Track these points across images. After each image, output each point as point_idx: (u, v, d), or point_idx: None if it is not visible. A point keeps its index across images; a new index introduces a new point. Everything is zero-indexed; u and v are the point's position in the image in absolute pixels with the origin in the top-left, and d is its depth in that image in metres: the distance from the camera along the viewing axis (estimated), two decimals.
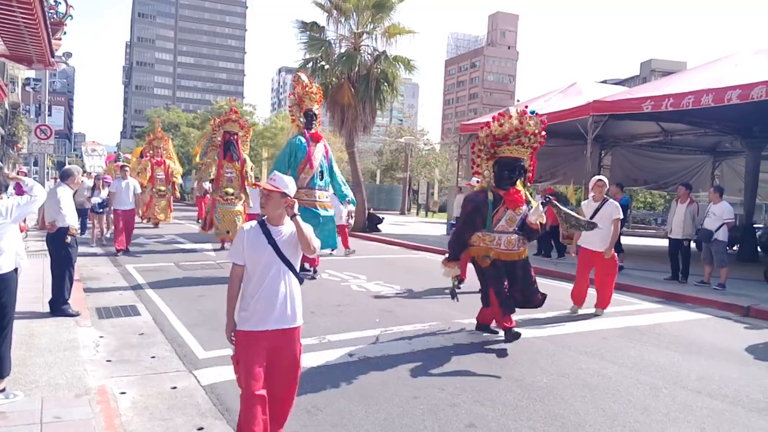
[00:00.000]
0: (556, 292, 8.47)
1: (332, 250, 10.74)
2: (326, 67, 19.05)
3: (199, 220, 19.45)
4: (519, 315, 7.39)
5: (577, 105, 14.64)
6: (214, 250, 12.73)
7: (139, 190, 12.07)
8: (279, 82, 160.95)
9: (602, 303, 7.61)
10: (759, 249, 14.39)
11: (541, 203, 5.98)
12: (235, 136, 12.22)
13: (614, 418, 4.13)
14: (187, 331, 6.01)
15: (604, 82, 25.65)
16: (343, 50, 19.64)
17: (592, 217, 7.26)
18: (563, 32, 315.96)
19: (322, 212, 9.53)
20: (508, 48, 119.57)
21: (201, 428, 3.69)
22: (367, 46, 19.73)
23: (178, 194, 20.28)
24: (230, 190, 11.99)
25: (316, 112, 9.93)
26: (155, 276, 9.24)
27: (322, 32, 19.76)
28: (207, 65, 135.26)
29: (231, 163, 12.12)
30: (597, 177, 7.89)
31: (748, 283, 10.09)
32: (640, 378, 4.92)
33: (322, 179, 9.71)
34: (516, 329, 5.87)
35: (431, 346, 5.77)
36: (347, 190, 10.23)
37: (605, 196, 7.67)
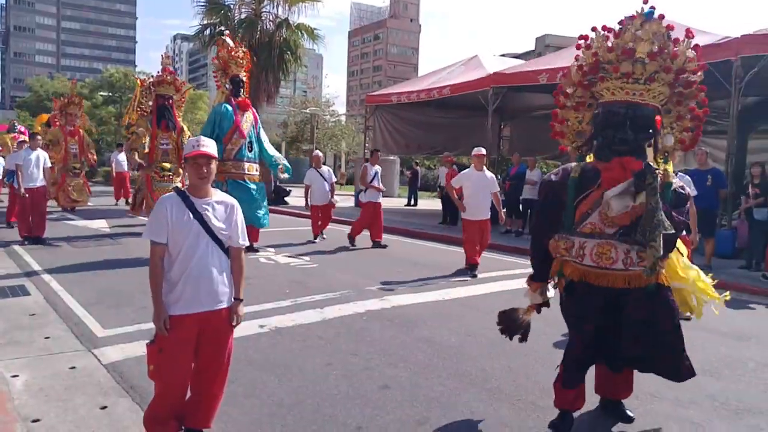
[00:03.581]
0: (451, 255, 8.77)
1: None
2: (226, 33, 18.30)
3: (127, 201, 17.25)
4: (433, 290, 7.59)
5: (477, 77, 15.08)
6: (110, 227, 12.01)
7: (48, 164, 9.95)
8: (174, 51, 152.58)
9: None
10: None
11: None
12: (170, 101, 10.52)
13: (518, 371, 4.38)
14: (84, 309, 5.64)
15: (503, 56, 26.48)
16: (243, 16, 18.95)
17: None
18: (463, 6, 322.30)
19: (252, 186, 8.99)
20: (411, 21, 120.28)
21: (104, 407, 3.50)
22: (269, 12, 19.14)
23: (94, 160, 16.51)
24: (167, 165, 10.36)
25: (244, 79, 9.24)
26: (45, 254, 8.58)
27: None
28: (95, 31, 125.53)
29: (166, 132, 10.38)
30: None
31: None
32: (546, 330, 5.11)
33: (251, 150, 9.08)
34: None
35: (343, 314, 5.80)
36: (279, 158, 9.60)
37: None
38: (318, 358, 4.52)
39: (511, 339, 3.78)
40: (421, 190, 22.80)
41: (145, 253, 2.96)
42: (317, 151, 12.46)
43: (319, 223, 11.13)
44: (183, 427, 3.06)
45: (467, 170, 8.54)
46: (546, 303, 3.67)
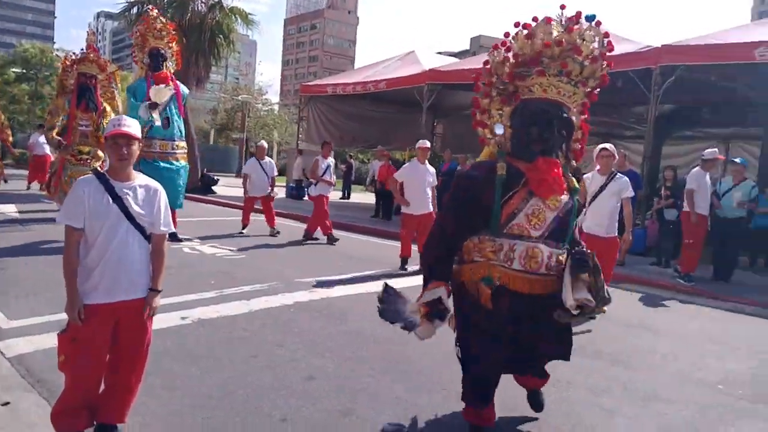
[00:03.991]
0: (384, 249, 8.82)
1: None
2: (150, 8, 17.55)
3: (42, 186, 16.24)
4: (364, 282, 7.58)
5: (413, 73, 15.20)
6: (19, 212, 11.26)
7: None
8: (98, 29, 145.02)
9: None
10: None
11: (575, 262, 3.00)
12: (93, 80, 9.76)
13: (443, 360, 4.41)
14: None
15: (440, 53, 26.82)
16: None
17: (597, 195, 6.22)
18: (401, 2, 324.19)
19: (164, 164, 8.51)
20: (349, 12, 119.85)
21: (7, 403, 3.26)
22: None
23: (14, 150, 15.79)
24: (85, 148, 9.61)
25: (164, 52, 8.80)
26: None
27: None
28: (8, 2, 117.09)
29: (86, 113, 9.62)
30: (602, 146, 6.43)
31: None
32: None
33: (167, 127, 8.61)
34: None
35: (270, 306, 5.69)
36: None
37: (613, 169, 6.46)
38: (243, 350, 4.40)
39: (391, 323, 3.52)
40: (355, 184, 22.80)
41: (58, 240, 2.77)
42: (263, 141, 12.17)
43: (255, 216, 10.92)
44: (95, 422, 2.90)
45: (411, 163, 8.40)
46: (446, 309, 3.25)
